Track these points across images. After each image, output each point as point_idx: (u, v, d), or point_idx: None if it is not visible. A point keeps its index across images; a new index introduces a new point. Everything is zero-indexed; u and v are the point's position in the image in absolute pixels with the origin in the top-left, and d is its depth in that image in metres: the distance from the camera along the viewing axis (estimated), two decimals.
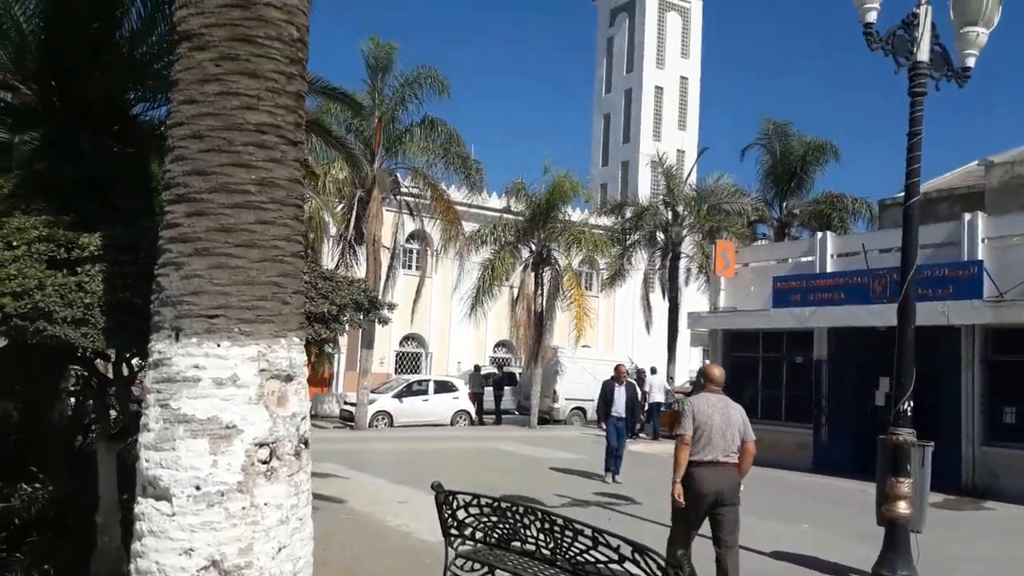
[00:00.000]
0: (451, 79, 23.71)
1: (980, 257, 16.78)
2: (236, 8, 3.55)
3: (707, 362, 33.75)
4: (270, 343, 3.50)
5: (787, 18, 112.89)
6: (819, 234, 21.40)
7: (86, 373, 7.24)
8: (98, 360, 7.23)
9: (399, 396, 24.12)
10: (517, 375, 28.80)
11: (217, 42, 3.53)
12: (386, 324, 7.35)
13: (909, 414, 8.10)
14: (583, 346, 28.52)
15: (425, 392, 24.75)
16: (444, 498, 5.83)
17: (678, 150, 47.73)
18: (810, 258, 21.21)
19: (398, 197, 25.31)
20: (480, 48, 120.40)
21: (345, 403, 24.79)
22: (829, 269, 20.42)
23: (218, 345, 3.40)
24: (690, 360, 40.48)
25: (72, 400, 8.85)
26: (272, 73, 3.61)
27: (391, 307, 6.87)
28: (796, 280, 20.65)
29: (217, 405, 3.39)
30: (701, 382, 7.28)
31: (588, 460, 16.72)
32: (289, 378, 3.59)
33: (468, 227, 26.75)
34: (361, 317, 6.24)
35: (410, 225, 26.84)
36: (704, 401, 6.75)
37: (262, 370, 3.47)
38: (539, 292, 25.83)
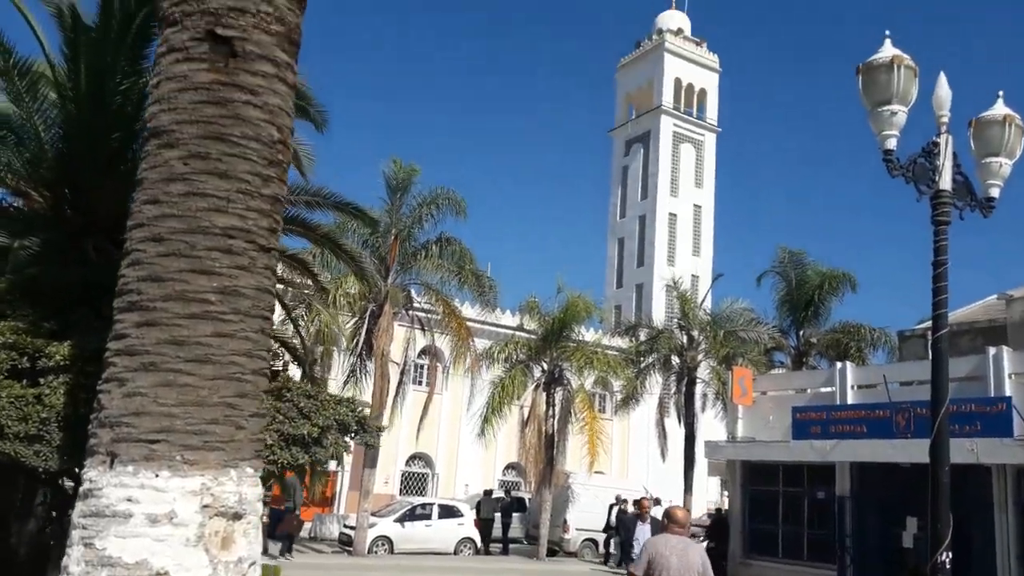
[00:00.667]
0: (469, 199, 24.02)
1: (1007, 393, 16.16)
2: (211, 105, 3.31)
3: (719, 505, 32.44)
4: (217, 474, 3.06)
5: (803, 146, 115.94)
6: (838, 364, 20.81)
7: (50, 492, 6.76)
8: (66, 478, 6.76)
9: (401, 520, 23.05)
10: (527, 500, 27.64)
11: (187, 140, 3.28)
12: (373, 447, 6.86)
13: (948, 566, 7.34)
14: (596, 472, 27.49)
15: (429, 516, 23.66)
16: None
17: (692, 275, 47.78)
18: (830, 388, 20.56)
19: (410, 312, 25.11)
20: (498, 172, 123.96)
21: (345, 526, 23.69)
22: (850, 400, 19.73)
23: (156, 475, 2.96)
24: (707, 491, 38.97)
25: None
26: (246, 174, 3.33)
27: (380, 429, 6.39)
28: (816, 411, 19.92)
29: (148, 547, 2.91)
30: (664, 522, 7.12)
31: None
32: (237, 516, 3.12)
33: (480, 344, 26.39)
34: (347, 440, 5.78)
35: (421, 341, 26.52)
36: (663, 542, 6.51)
37: (205, 506, 3.00)
38: (550, 413, 25.11)
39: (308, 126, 11.74)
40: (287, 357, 11.12)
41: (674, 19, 57.91)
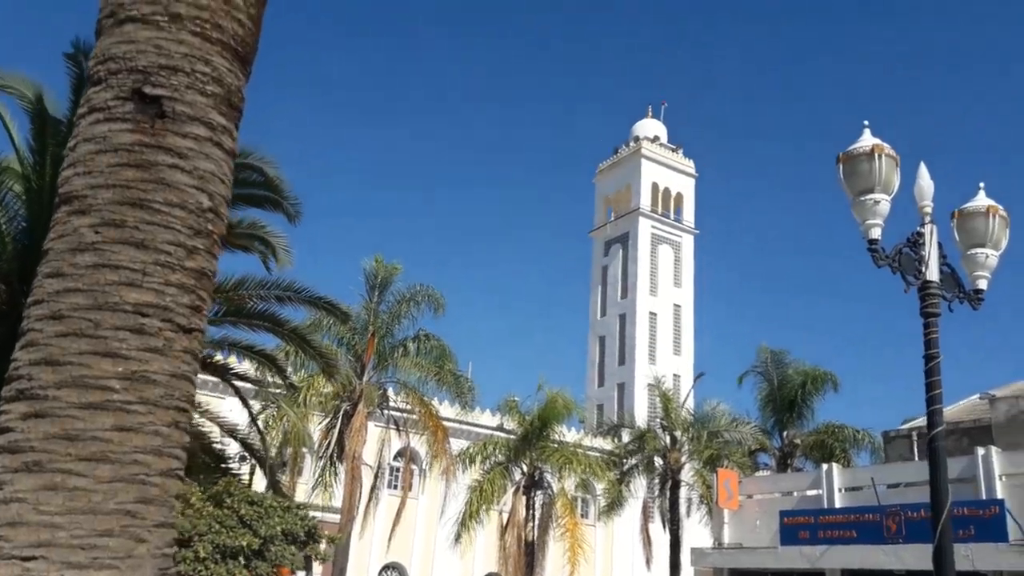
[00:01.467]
0: (448, 297, 23.71)
1: (999, 495, 15.65)
2: (132, 168, 2.96)
3: None
4: None
5: (783, 242, 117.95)
6: (824, 466, 20.23)
7: None
8: None
9: None
10: None
11: (101, 206, 2.91)
12: (325, 561, 6.22)
13: None
14: None
15: None
16: None
17: (674, 374, 47.38)
18: (817, 491, 19.92)
19: (386, 412, 24.37)
20: (478, 271, 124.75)
21: None
22: (838, 504, 19.07)
23: None
24: None
25: None
26: (167, 244, 2.95)
27: (332, 540, 5.80)
28: (804, 515, 19.19)
29: None
30: None
31: None
32: None
33: (457, 444, 25.58)
34: (294, 552, 5.19)
35: (396, 442, 25.68)
36: None
37: None
38: (530, 518, 24.10)
39: (282, 218, 11.50)
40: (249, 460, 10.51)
41: (650, 127, 59.65)
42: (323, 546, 5.65)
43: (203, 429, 11.16)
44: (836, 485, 19.44)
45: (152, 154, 2.98)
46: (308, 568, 29.57)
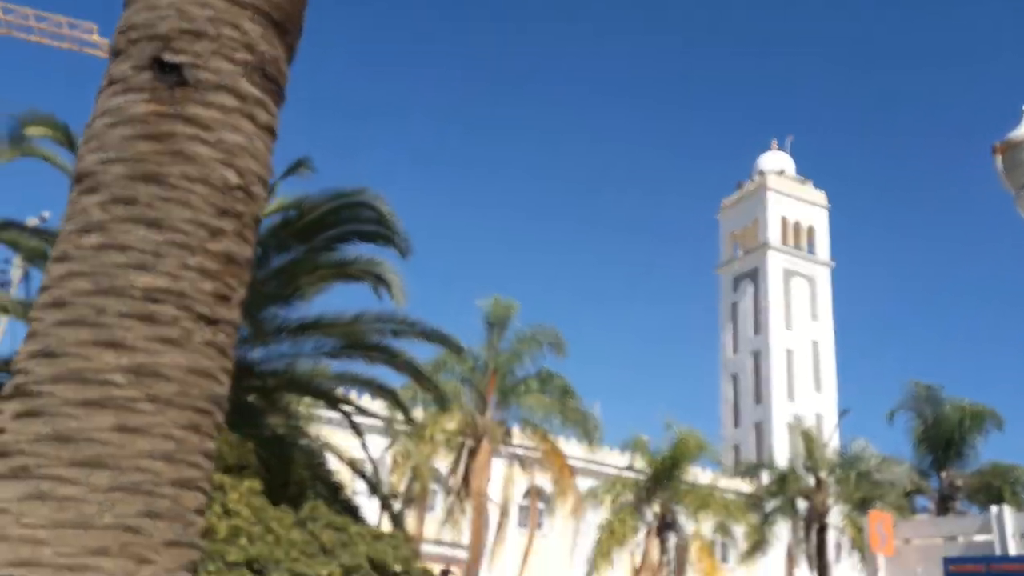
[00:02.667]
0: (570, 338, 23.21)
1: None
2: (146, 140, 2.65)
3: None
4: None
5: (928, 274, 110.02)
6: (994, 508, 18.08)
7: None
8: None
9: None
10: None
11: (111, 182, 2.60)
12: None
13: None
14: None
15: None
16: None
17: (816, 413, 44.40)
18: (986, 536, 17.81)
19: (510, 449, 23.98)
20: (601, 314, 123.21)
21: None
22: (1012, 551, 16.93)
23: None
24: None
25: None
26: (185, 224, 2.61)
27: (428, 574, 5.31)
28: (974, 563, 17.12)
29: None
30: None
31: None
32: None
33: (584, 483, 24.80)
34: None
35: (521, 480, 25.16)
36: None
37: None
38: (664, 562, 22.88)
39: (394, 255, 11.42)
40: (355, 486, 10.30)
41: (776, 160, 57.14)
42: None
43: (321, 461, 11.08)
44: (1010, 530, 17.32)
45: (170, 125, 2.67)
46: None
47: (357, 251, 10.75)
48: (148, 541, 2.32)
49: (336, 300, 10.99)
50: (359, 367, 11.61)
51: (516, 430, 24.02)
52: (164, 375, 2.46)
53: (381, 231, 10.55)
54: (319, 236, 9.76)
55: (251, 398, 9.83)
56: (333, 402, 11.40)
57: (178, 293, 2.53)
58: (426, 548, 23.58)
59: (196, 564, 2.56)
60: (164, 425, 2.42)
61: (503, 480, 24.08)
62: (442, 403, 14.73)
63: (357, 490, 12.87)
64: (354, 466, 12.55)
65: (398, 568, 5.07)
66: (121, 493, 2.30)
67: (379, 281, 10.46)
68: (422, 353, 12.97)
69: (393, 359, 10.94)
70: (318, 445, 11.22)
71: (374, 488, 12.97)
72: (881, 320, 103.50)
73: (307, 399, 18.71)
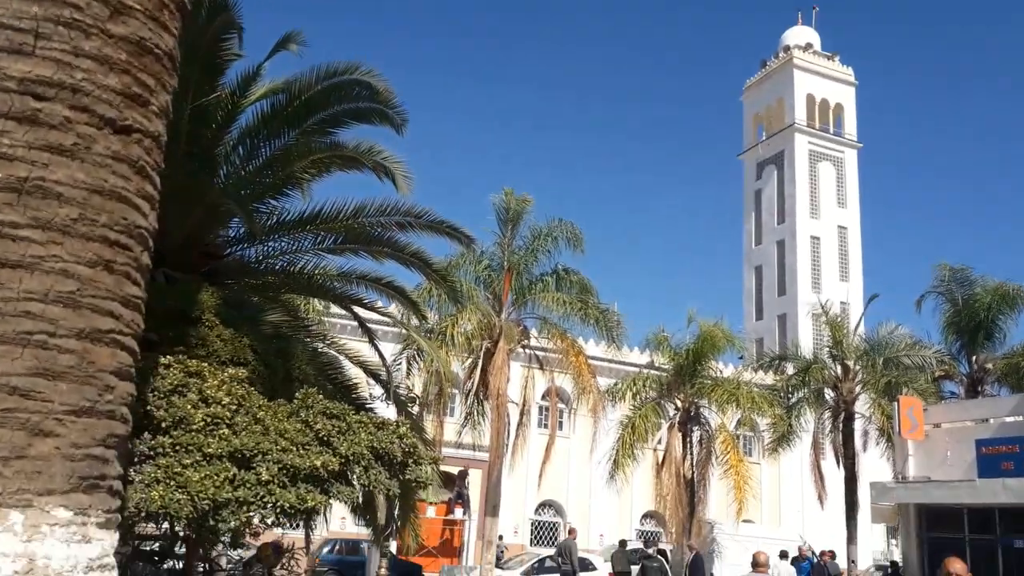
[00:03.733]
0: (588, 232, 22.45)
1: None
2: None
3: (892, 558, 28.58)
4: None
5: (958, 154, 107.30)
6: None
7: None
8: None
9: (529, 573, 21.30)
10: (668, 552, 25.15)
11: None
12: (425, 488, 5.32)
13: None
14: (744, 521, 24.72)
15: (557, 570, 21.75)
16: None
17: (841, 302, 43.75)
18: (1018, 418, 17.49)
19: (527, 350, 23.62)
20: (619, 204, 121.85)
21: None
22: None
23: None
24: (871, 539, 34.82)
25: None
26: None
27: (435, 461, 4.83)
28: (1008, 443, 16.85)
29: None
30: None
31: None
32: None
33: (605, 384, 24.50)
34: (386, 477, 4.27)
35: (541, 381, 24.94)
36: None
37: None
38: (688, 455, 22.78)
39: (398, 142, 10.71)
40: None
41: (802, 35, 54.70)
42: (428, 470, 4.78)
43: (329, 360, 10.68)
44: None
45: None
46: (464, 503, 29.86)
47: (356, 138, 10.09)
48: (43, 407, 1.75)
49: (338, 194, 10.32)
50: (366, 264, 11.07)
51: (534, 332, 23.63)
52: (56, 194, 1.83)
53: (377, 108, 9.84)
54: (312, 119, 9.05)
55: (251, 297, 9.33)
56: (338, 300, 10.88)
57: (71, 88, 1.88)
58: (446, 451, 23.63)
59: (128, 442, 1.99)
60: (59, 259, 1.81)
61: (521, 382, 23.86)
62: (455, 298, 14.24)
63: (374, 395, 12.46)
64: (368, 369, 12.15)
65: (399, 457, 4.58)
66: (2, 348, 1.71)
67: (381, 169, 9.78)
68: (433, 252, 12.36)
69: (400, 252, 10.36)
70: (325, 343, 10.76)
71: (390, 392, 12.59)
72: (910, 203, 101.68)
73: (317, 304, 18.37)
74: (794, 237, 48.02)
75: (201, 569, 5.67)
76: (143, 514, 3.46)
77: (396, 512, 10.91)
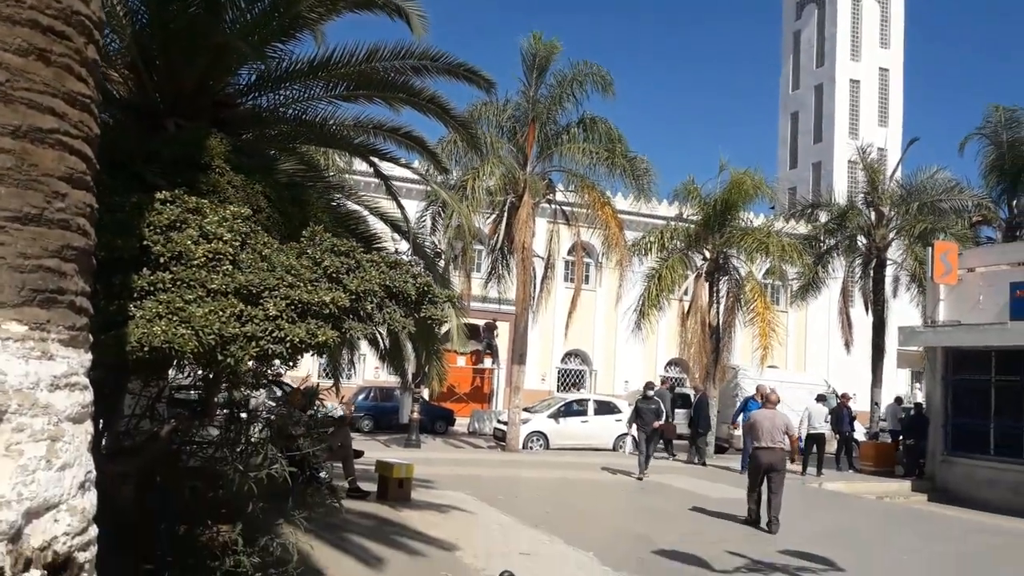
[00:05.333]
0: (616, 77, 21.44)
1: None
2: None
3: (916, 400, 29.05)
4: None
5: None
6: None
7: None
8: None
9: (555, 416, 22.04)
10: (691, 396, 25.82)
11: None
12: (440, 326, 5.26)
13: None
14: (769, 366, 25.10)
15: (584, 413, 22.49)
16: None
17: (880, 148, 42.36)
18: None
19: (552, 204, 23.35)
20: (648, 47, 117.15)
21: (498, 421, 23.06)
22: None
23: None
24: (896, 384, 35.40)
25: None
26: None
27: (451, 299, 4.74)
28: None
29: None
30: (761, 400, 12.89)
31: None
32: None
33: (631, 236, 24.31)
34: (401, 315, 4.19)
35: (567, 236, 24.81)
36: (761, 413, 11.79)
37: None
38: (714, 303, 22.84)
39: None
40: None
41: None
42: (448, 309, 4.71)
43: (350, 211, 10.55)
44: None
45: None
46: (493, 353, 30.66)
47: None
48: None
49: (351, 39, 9.79)
50: (382, 113, 10.68)
51: (560, 186, 23.27)
52: None
53: None
54: None
55: (265, 148, 9.11)
56: (355, 151, 10.61)
57: None
58: (474, 305, 23.95)
59: (90, 257, 1.85)
60: None
61: (547, 236, 23.77)
62: (476, 145, 13.84)
63: (399, 251, 12.38)
64: (391, 222, 12.00)
65: (414, 296, 4.47)
66: None
67: (393, 8, 9.22)
68: (453, 102, 11.88)
69: (416, 97, 9.94)
70: (346, 195, 10.60)
71: (416, 247, 12.50)
72: (959, 41, 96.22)
73: (338, 160, 18.10)
74: (833, 81, 45.92)
75: (227, 413, 5.79)
76: (146, 348, 3.44)
77: (423, 359, 11.12)
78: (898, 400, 24.36)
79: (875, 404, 24.64)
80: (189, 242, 3.77)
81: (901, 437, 21.29)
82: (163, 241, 3.80)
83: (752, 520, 11.65)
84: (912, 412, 20.95)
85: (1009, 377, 17.58)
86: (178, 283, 3.65)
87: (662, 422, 20.07)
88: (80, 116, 1.85)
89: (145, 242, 3.73)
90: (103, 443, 6.07)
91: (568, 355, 34.29)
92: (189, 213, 3.98)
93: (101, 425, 6.02)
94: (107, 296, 3.43)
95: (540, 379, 32.31)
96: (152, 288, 3.63)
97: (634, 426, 17.66)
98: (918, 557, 10.68)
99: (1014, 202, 25.80)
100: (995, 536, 12.65)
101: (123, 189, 5.32)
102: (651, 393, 17.58)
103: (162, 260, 3.74)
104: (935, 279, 18.81)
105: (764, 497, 11.57)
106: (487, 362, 31.14)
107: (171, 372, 6.02)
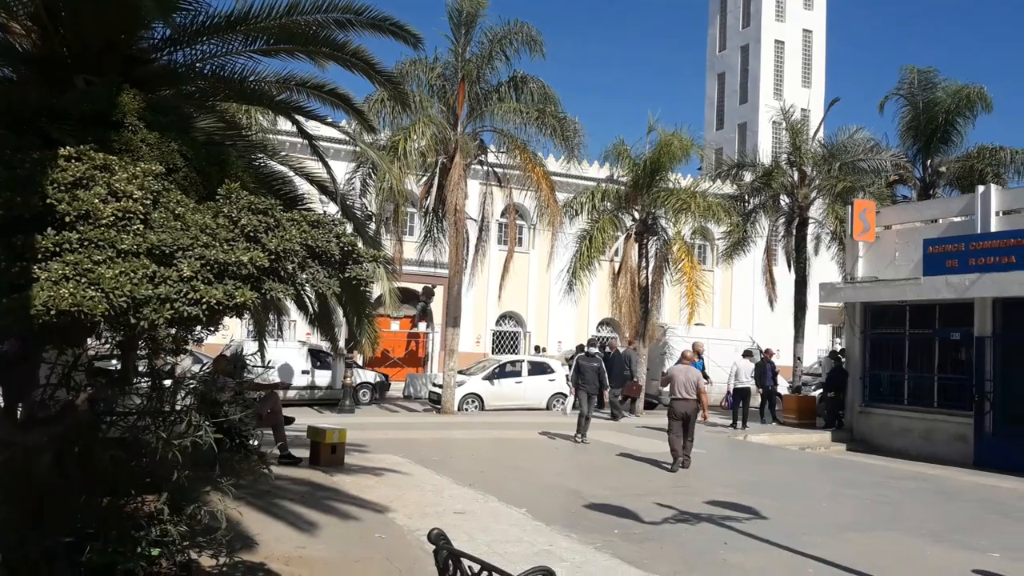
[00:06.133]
0: (548, 45, 21.19)
1: None
2: None
3: (838, 345, 30.16)
4: None
5: None
6: (980, 188, 17.97)
7: None
8: None
9: (490, 378, 22.16)
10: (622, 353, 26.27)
11: None
12: (366, 286, 5.19)
13: None
14: (696, 324, 25.73)
15: (519, 374, 22.68)
16: (444, 561, 3.59)
17: (802, 109, 43.29)
18: (968, 217, 17.87)
19: (484, 166, 23.20)
20: (578, 12, 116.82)
21: (433, 384, 23.07)
22: (994, 228, 17.06)
23: None
24: (818, 339, 36.76)
25: None
26: None
27: (376, 259, 4.66)
28: (953, 243, 17.32)
29: None
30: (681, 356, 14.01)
31: (703, 454, 14.21)
32: None
33: (563, 198, 24.41)
34: (324, 276, 4.09)
35: (500, 199, 24.80)
36: (678, 368, 13.26)
37: None
38: (643, 265, 23.19)
39: None
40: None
41: None
42: (378, 269, 4.63)
43: (273, 172, 10.25)
44: (993, 208, 17.31)
45: None
46: (427, 318, 30.56)
47: None
48: None
49: None
50: (306, 69, 10.34)
51: (492, 148, 23.11)
52: None
53: None
54: None
55: (182, 105, 8.73)
56: (277, 108, 10.28)
57: None
58: (407, 269, 23.76)
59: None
60: None
61: (480, 198, 23.65)
62: (404, 102, 13.61)
63: (328, 213, 12.12)
64: (318, 183, 11.71)
65: (337, 255, 4.38)
66: None
67: None
68: (381, 60, 11.57)
69: (339, 52, 9.64)
70: (269, 155, 10.28)
71: (345, 211, 12.25)
72: (878, 6, 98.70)
73: (261, 120, 17.55)
74: (759, 42, 46.58)
75: (148, 381, 5.61)
76: (52, 312, 3.28)
77: (354, 323, 10.97)
78: (833, 354, 24.57)
79: (797, 359, 25.51)
80: (97, 200, 3.59)
81: (821, 390, 22.17)
82: (69, 199, 3.61)
83: (676, 457, 12.87)
84: (833, 365, 21.79)
85: (922, 330, 18.43)
86: (86, 243, 3.48)
87: (632, 383, 20.04)
88: None
89: (49, 200, 3.54)
90: (18, 414, 5.83)
91: (502, 317, 34.44)
92: (96, 170, 3.79)
93: (15, 395, 5.78)
94: (8, 258, 3.25)
95: (475, 342, 32.43)
96: (58, 249, 3.45)
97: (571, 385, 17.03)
98: (836, 502, 11.19)
99: (928, 161, 26.71)
100: (906, 480, 13.34)
101: (28, 147, 5.04)
102: (593, 351, 16.95)
103: (68, 219, 3.56)
104: (854, 237, 19.47)
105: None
106: (422, 326, 31.03)
107: (90, 341, 5.80)
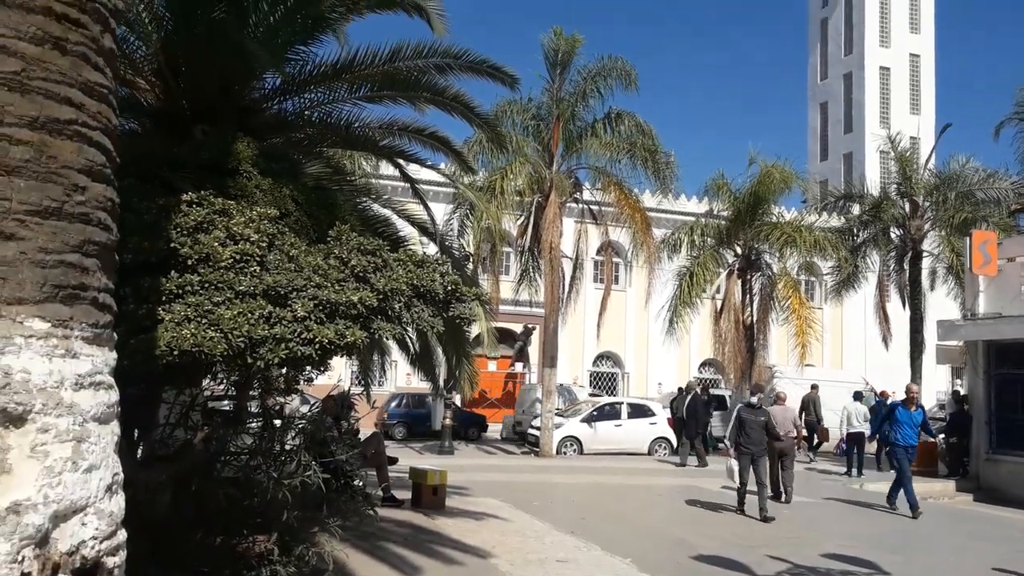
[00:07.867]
0: (642, 82, 21.09)
1: None
2: None
3: (959, 387, 28.36)
4: None
5: None
6: None
7: None
8: None
9: (589, 420, 21.81)
10: (727, 398, 25.43)
11: None
12: (468, 324, 5.14)
13: None
14: (806, 365, 24.70)
15: (618, 416, 22.24)
16: None
17: (911, 137, 41.64)
18: None
19: (579, 203, 23.16)
20: (673, 51, 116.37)
21: (530, 427, 22.88)
22: None
23: None
24: (935, 380, 34.65)
25: None
26: None
27: (480, 298, 4.61)
28: None
29: None
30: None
31: (818, 503, 13.49)
32: (15, 419, 1.45)
33: (660, 234, 24.05)
34: (429, 314, 4.08)
35: (595, 236, 24.60)
36: (775, 410, 13.80)
37: None
38: (748, 302, 22.51)
39: None
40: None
41: None
42: (476, 308, 4.62)
43: (377, 215, 10.49)
44: None
45: None
46: (524, 358, 30.50)
47: None
48: (2, 206, 1.50)
49: (373, 41, 9.73)
50: (407, 114, 10.60)
51: (587, 185, 23.09)
52: None
53: None
54: None
55: (291, 151, 9.08)
56: (380, 153, 10.54)
57: None
58: (504, 309, 23.81)
59: (112, 252, 1.75)
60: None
61: (575, 236, 23.58)
62: (501, 144, 13.73)
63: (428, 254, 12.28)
64: (418, 225, 11.92)
65: (441, 294, 4.36)
66: None
67: (413, 7, 9.15)
68: (477, 100, 11.78)
69: (440, 96, 9.84)
70: (373, 199, 10.53)
71: (445, 251, 12.40)
72: (992, 23, 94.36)
73: (365, 165, 18.09)
74: (862, 69, 45.14)
75: (261, 421, 5.72)
76: (176, 352, 3.36)
77: (453, 363, 11.00)
78: (955, 396, 22.67)
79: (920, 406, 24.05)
80: (216, 244, 3.70)
81: (943, 436, 20.76)
82: (190, 243, 3.74)
83: (775, 495, 13.14)
84: (955, 408, 20.40)
85: None
86: (206, 285, 3.58)
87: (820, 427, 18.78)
88: (98, 107, 1.76)
89: (172, 244, 3.68)
90: (139, 452, 6.03)
91: (600, 357, 34.04)
92: (216, 215, 3.92)
93: (136, 434, 5.99)
94: (136, 300, 3.39)
95: (572, 382, 32.14)
96: (180, 291, 3.57)
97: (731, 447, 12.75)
98: (964, 558, 10.35)
99: None
100: None
101: (152, 195, 5.29)
102: (755, 400, 13.01)
103: (190, 262, 3.68)
104: (974, 270, 18.35)
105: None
106: (518, 366, 30.99)
107: (206, 381, 5.98)
